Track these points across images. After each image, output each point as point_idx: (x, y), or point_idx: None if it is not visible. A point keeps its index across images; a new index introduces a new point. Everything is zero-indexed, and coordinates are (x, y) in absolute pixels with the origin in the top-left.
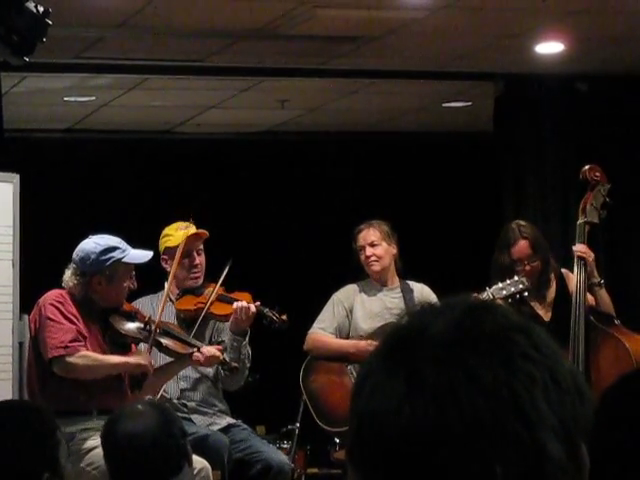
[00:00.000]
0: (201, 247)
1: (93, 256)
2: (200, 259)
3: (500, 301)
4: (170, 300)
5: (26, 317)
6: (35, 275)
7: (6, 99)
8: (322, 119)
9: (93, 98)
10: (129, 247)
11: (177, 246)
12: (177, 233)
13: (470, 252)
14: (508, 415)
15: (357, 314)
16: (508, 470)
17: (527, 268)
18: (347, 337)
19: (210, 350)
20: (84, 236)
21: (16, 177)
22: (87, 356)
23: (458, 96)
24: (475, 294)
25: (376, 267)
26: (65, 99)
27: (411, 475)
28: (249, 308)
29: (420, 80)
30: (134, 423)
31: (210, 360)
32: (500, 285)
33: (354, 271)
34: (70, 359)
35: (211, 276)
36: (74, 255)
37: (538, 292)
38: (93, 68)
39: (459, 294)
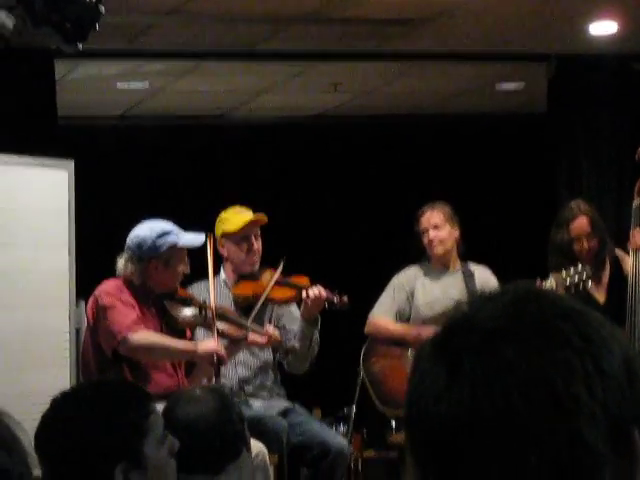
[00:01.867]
0: (258, 232)
1: (149, 241)
2: (257, 244)
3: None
4: (226, 286)
5: (82, 303)
6: (90, 261)
7: (60, 86)
8: (375, 102)
9: (146, 84)
10: (181, 231)
11: (235, 231)
12: (234, 218)
13: (524, 235)
14: (542, 404)
15: (418, 298)
16: (542, 458)
17: (585, 246)
18: (407, 321)
19: (270, 330)
20: (138, 222)
21: (71, 164)
22: (153, 335)
23: (511, 78)
24: (538, 281)
25: (439, 250)
26: (118, 85)
27: (450, 462)
28: (319, 293)
29: (473, 62)
30: (192, 408)
31: (270, 341)
32: (564, 273)
33: (415, 253)
34: (136, 336)
35: (265, 262)
36: (128, 242)
37: (594, 274)
38: (146, 54)
39: (518, 281)
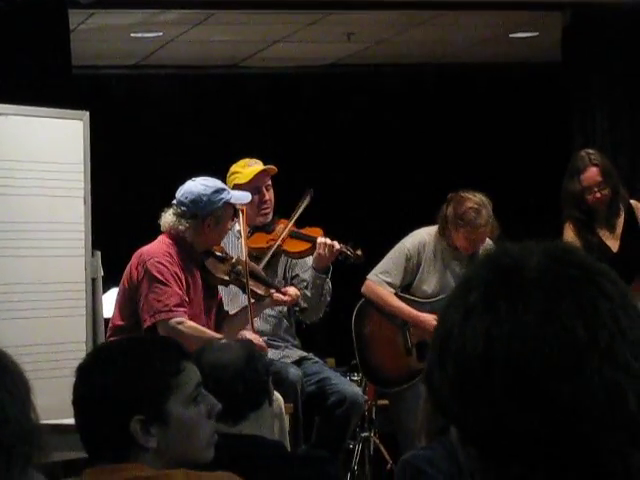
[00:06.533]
0: (269, 183)
1: (205, 198)
2: (269, 195)
3: (570, 228)
4: (241, 237)
5: (98, 253)
6: (105, 212)
7: (74, 36)
8: (388, 51)
9: (160, 34)
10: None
11: (246, 183)
12: (246, 170)
13: (539, 183)
14: (589, 351)
15: (423, 273)
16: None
17: (597, 195)
18: (407, 289)
19: (292, 290)
20: (152, 171)
21: (86, 114)
22: (195, 327)
23: (525, 27)
24: None
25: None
26: (132, 35)
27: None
28: (333, 245)
29: (486, 11)
30: (220, 354)
31: (293, 300)
32: None
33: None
34: (179, 325)
35: (280, 212)
36: (181, 198)
37: (607, 222)
38: (159, 4)
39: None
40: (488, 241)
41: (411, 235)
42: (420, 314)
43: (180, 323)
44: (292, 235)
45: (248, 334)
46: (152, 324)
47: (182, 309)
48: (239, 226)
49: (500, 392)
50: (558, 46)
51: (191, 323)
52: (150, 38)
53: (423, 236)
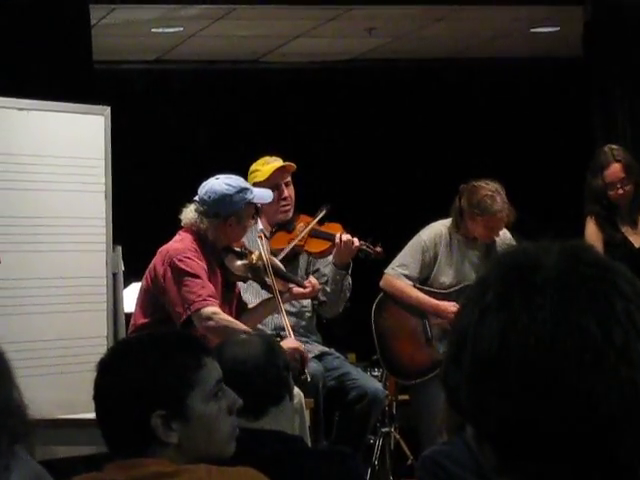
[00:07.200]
0: (289, 179)
1: (228, 198)
2: (289, 191)
3: (592, 224)
4: (265, 236)
5: (119, 248)
6: (126, 207)
7: (95, 31)
8: (409, 47)
9: (181, 29)
10: (250, 185)
11: (265, 181)
12: (264, 168)
13: (560, 179)
14: (604, 349)
15: (440, 264)
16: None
17: (620, 192)
18: (425, 281)
19: (314, 282)
20: (173, 166)
21: (107, 109)
22: (226, 319)
23: (546, 21)
24: None
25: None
26: (153, 30)
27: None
28: (352, 241)
29: (507, 5)
30: (240, 349)
31: (314, 292)
32: None
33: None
34: (210, 311)
35: (301, 209)
36: (204, 197)
37: (630, 218)
38: None
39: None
40: (505, 231)
41: (427, 228)
42: (439, 302)
43: (215, 313)
44: (312, 234)
45: (290, 342)
46: (188, 317)
47: (215, 300)
48: (261, 225)
49: (516, 390)
50: (579, 41)
51: (225, 315)
52: (171, 33)
53: (439, 228)
